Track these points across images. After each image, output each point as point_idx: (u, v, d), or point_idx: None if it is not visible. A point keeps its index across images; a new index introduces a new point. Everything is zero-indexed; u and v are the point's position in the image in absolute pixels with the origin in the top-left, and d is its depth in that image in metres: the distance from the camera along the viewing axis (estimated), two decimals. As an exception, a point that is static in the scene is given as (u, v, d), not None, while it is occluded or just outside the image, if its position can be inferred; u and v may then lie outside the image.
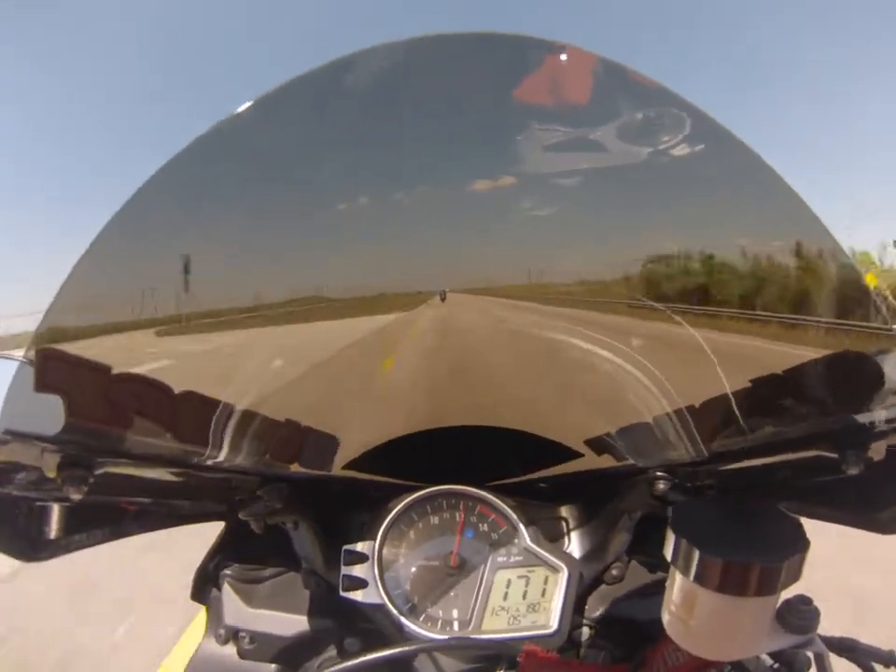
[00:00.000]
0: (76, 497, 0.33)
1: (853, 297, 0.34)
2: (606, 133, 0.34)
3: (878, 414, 0.30)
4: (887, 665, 0.42)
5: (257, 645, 0.54)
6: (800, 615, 0.34)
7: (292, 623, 0.54)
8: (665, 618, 0.37)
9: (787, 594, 0.34)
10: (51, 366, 0.33)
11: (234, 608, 0.55)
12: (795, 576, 0.32)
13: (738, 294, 0.41)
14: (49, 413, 0.31)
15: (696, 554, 0.32)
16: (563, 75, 0.33)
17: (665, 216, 0.40)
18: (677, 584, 0.35)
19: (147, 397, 0.38)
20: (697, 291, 0.41)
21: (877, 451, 0.33)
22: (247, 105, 0.32)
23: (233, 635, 0.54)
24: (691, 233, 0.41)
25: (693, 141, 0.33)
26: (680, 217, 0.40)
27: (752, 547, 0.32)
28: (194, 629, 1.92)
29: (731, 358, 0.39)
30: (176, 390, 0.39)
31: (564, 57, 0.32)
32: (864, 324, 0.33)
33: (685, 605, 0.34)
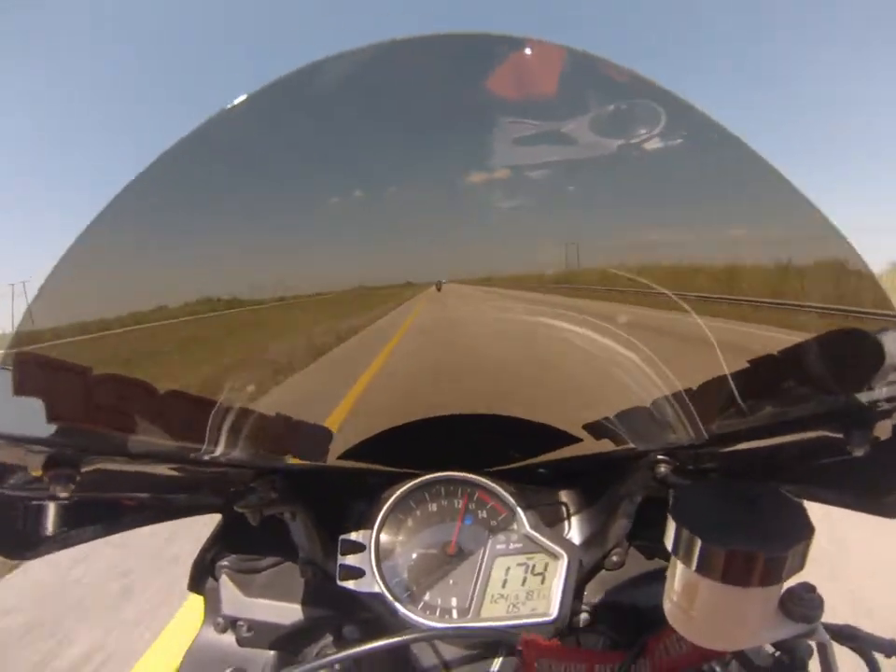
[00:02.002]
0: (63, 494, 0.32)
1: (854, 281, 0.33)
2: (587, 126, 0.34)
3: (882, 392, 0.29)
4: (888, 655, 0.42)
5: (255, 633, 0.54)
6: (803, 604, 0.34)
7: (290, 612, 0.54)
8: (667, 607, 0.36)
9: (790, 581, 0.34)
10: (30, 369, 0.33)
11: (232, 597, 0.55)
12: (800, 564, 0.31)
13: (735, 281, 0.41)
14: (33, 414, 0.31)
15: (698, 544, 0.31)
16: (537, 68, 0.33)
17: (658, 205, 0.41)
18: (678, 574, 0.34)
19: (132, 396, 0.38)
20: (694, 279, 0.41)
21: (883, 430, 0.31)
22: (238, 101, 0.32)
23: (231, 623, 0.54)
24: (684, 222, 0.42)
25: (675, 129, 0.33)
26: (674, 205, 0.41)
27: (755, 535, 0.31)
28: (186, 612, 1.95)
29: (728, 343, 0.39)
30: (162, 387, 0.39)
31: (535, 51, 0.33)
32: (867, 310, 0.32)
33: (686, 594, 0.34)
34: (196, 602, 0.60)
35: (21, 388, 0.31)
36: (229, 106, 0.32)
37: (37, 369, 0.33)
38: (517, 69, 0.33)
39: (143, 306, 0.41)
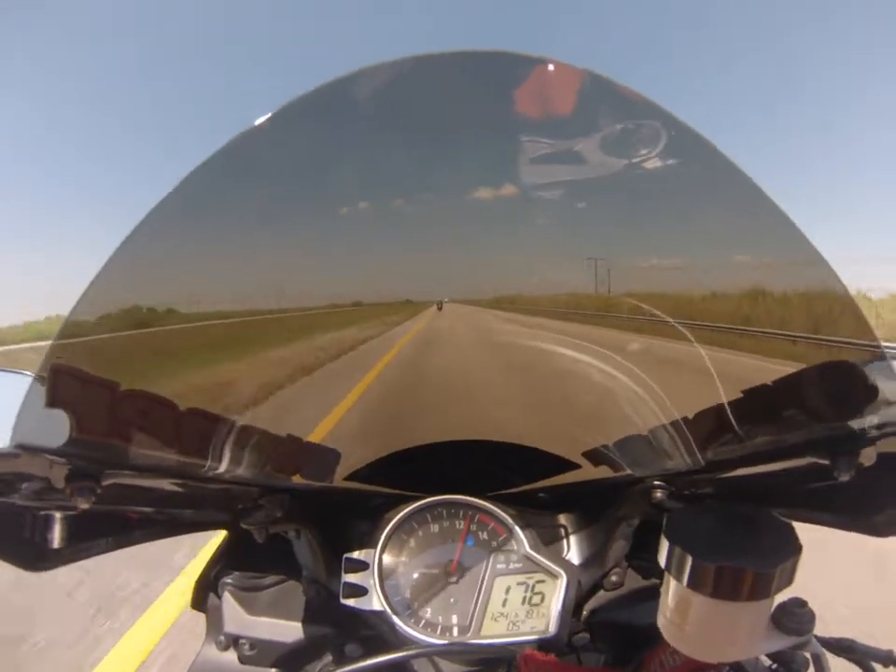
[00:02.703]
0: (83, 507, 0.33)
1: (840, 313, 0.35)
2: (598, 147, 0.35)
3: (868, 421, 0.31)
4: (885, 665, 0.42)
5: (257, 651, 0.54)
6: (795, 618, 0.34)
7: (292, 630, 0.54)
8: (661, 622, 0.37)
9: (782, 596, 0.34)
10: (63, 382, 0.33)
11: (234, 615, 0.56)
12: (789, 580, 0.32)
13: (725, 310, 0.42)
14: (58, 427, 0.31)
15: (689, 560, 0.32)
16: (551, 89, 0.34)
17: (656, 231, 0.42)
18: (671, 590, 0.35)
19: (155, 412, 0.39)
20: (686, 307, 0.42)
21: (868, 456, 0.33)
22: (262, 119, 0.34)
23: (234, 641, 0.55)
24: (679, 249, 0.42)
25: (678, 155, 0.34)
26: (669, 232, 0.42)
27: (745, 552, 0.32)
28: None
29: (720, 371, 0.40)
30: (183, 404, 0.40)
31: (554, 71, 0.33)
32: (853, 340, 0.33)
33: (680, 610, 0.35)
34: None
35: (52, 401, 0.32)
36: (254, 125, 0.34)
37: (70, 382, 0.34)
38: (531, 88, 0.34)
39: (167, 319, 0.43)
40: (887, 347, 0.32)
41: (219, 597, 0.58)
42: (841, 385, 0.34)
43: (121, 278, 0.35)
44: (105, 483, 0.35)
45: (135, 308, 0.41)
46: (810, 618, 0.35)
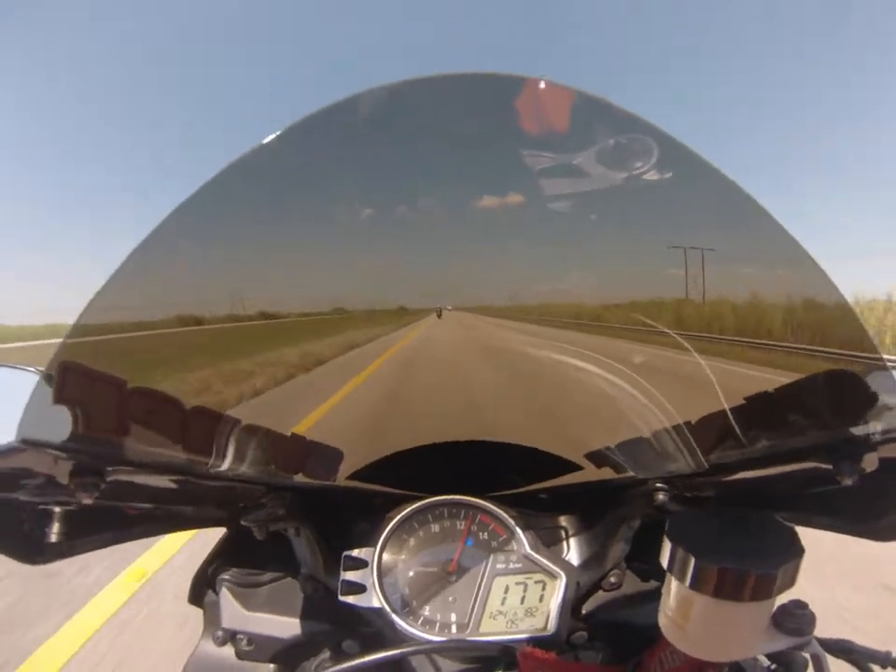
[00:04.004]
0: (87, 502, 0.34)
1: (842, 327, 0.35)
2: (590, 161, 0.37)
3: (870, 427, 0.31)
4: (884, 666, 0.42)
5: (255, 646, 0.54)
6: (795, 619, 0.35)
7: (290, 626, 0.54)
8: (662, 622, 0.37)
9: (783, 598, 0.34)
10: (72, 379, 0.34)
11: (232, 611, 0.55)
12: (790, 582, 0.32)
13: (726, 321, 0.43)
14: (63, 423, 0.32)
15: (692, 562, 0.32)
16: (547, 107, 0.36)
17: (652, 241, 0.43)
18: (673, 590, 0.35)
19: (160, 410, 0.40)
20: (687, 318, 0.43)
21: (870, 462, 0.33)
22: (274, 136, 0.36)
23: (231, 636, 0.55)
24: (675, 259, 0.43)
25: (670, 167, 0.36)
26: (666, 242, 0.43)
27: (747, 554, 0.32)
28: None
29: (724, 381, 0.40)
30: (188, 403, 0.41)
31: (548, 90, 0.35)
32: (856, 353, 0.34)
33: (681, 609, 0.35)
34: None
35: (60, 398, 0.32)
36: (265, 141, 0.35)
37: (78, 379, 0.34)
38: (529, 106, 0.35)
39: (180, 322, 0.44)
40: (888, 359, 0.33)
41: (217, 593, 0.58)
42: (842, 392, 0.34)
43: (134, 281, 0.36)
44: (109, 478, 0.35)
45: (146, 310, 0.42)
46: (810, 619, 0.35)
